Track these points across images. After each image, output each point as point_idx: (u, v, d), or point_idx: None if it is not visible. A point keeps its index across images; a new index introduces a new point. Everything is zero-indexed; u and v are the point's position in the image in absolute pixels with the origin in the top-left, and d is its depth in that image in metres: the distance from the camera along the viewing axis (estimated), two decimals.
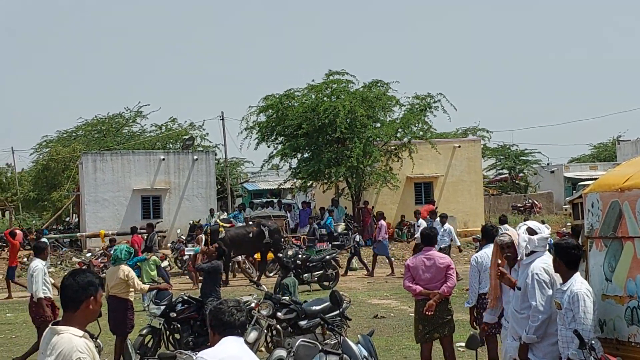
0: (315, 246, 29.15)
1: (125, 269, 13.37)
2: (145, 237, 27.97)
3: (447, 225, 25.29)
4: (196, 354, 9.47)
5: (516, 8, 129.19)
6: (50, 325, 5.22)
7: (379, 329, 15.63)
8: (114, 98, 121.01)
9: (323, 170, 35.65)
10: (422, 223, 27.56)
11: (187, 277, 27.45)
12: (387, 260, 28.53)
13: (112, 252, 14.83)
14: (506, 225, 21.36)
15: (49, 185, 50.58)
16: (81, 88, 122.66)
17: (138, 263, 23.54)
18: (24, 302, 24.21)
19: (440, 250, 24.38)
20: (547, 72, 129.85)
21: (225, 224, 28.50)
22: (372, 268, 27.92)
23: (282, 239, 28.71)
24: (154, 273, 22.58)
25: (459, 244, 26.11)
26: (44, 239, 30.01)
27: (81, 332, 5.13)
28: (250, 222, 29.67)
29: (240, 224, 31.91)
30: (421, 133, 37.32)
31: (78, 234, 33.26)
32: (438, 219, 26.82)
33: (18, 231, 30.27)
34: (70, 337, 5.06)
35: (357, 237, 28.92)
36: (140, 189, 38.42)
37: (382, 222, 28.62)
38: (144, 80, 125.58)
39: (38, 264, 14.17)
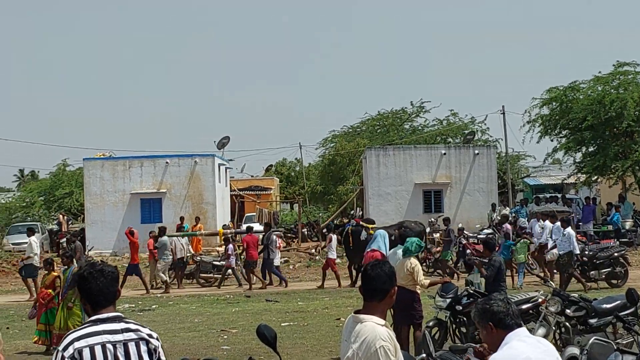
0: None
1: (413, 262, 13.35)
2: (262, 236, 28.62)
3: (567, 230, 22.27)
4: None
5: None
6: (352, 314, 5.41)
7: None
8: (398, 94, 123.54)
9: (609, 164, 34.68)
10: (548, 225, 24.91)
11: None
12: None
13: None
14: None
15: (335, 179, 52.27)
16: (369, 85, 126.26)
17: (512, 247, 23.86)
18: (312, 291, 25.43)
19: (560, 257, 22.14)
20: None
21: (368, 225, 28.10)
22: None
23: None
24: (522, 256, 23.12)
25: (577, 251, 22.26)
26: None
27: (383, 321, 5.27)
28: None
29: (523, 219, 31.49)
30: None
31: (197, 233, 33.97)
32: (559, 223, 23.87)
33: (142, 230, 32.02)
34: (373, 326, 5.22)
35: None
36: (421, 183, 38.89)
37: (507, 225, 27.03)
38: (428, 75, 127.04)
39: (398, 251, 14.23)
